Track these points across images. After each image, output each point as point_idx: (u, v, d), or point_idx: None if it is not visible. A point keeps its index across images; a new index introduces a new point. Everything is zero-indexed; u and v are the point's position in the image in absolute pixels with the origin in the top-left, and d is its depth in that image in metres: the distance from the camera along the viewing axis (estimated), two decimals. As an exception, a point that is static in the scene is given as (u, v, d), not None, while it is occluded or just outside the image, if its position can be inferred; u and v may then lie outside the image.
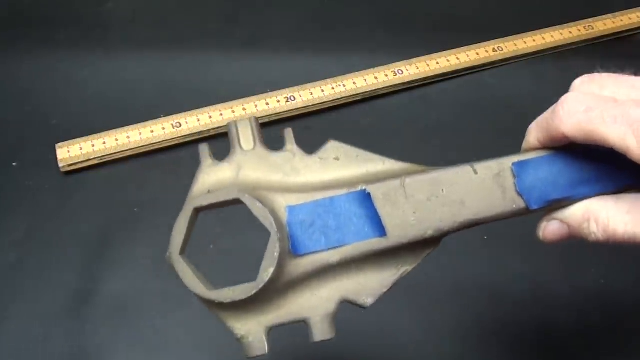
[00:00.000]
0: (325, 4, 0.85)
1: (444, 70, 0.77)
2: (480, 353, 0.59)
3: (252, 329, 0.39)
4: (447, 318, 0.60)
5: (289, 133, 0.42)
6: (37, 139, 0.71)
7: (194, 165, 0.70)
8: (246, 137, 0.41)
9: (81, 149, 0.69)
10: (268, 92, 0.74)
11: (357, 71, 0.76)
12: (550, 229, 0.39)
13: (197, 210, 0.38)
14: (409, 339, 0.59)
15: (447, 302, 0.60)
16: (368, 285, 0.39)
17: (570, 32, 0.81)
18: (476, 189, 0.39)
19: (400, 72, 0.76)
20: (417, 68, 0.77)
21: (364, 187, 0.39)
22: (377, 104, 0.75)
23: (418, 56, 0.78)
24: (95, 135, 0.70)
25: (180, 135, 0.71)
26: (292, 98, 0.73)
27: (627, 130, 0.35)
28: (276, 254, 0.37)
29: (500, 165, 0.40)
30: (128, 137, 0.70)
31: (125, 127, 0.71)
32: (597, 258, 0.62)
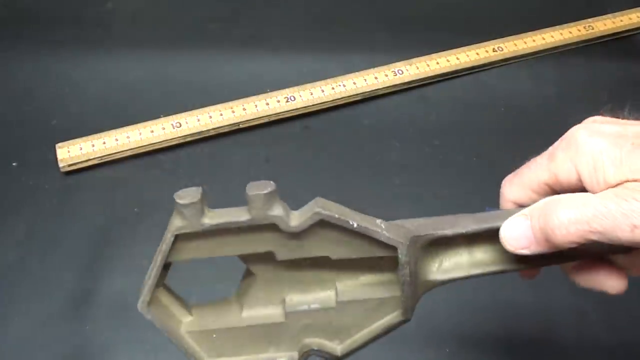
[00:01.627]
0: (325, 4, 0.85)
1: (444, 70, 0.77)
2: (480, 355, 0.59)
3: None
4: (446, 319, 0.60)
5: None
6: (37, 139, 0.71)
7: (194, 165, 0.70)
8: None
9: (81, 149, 0.69)
10: (268, 92, 0.74)
11: (357, 71, 0.76)
12: (510, 226, 0.38)
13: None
14: (407, 339, 0.59)
15: (446, 302, 0.60)
16: None
17: (570, 32, 0.81)
18: None
19: (400, 72, 0.76)
20: (417, 68, 0.77)
21: None
22: (377, 104, 0.75)
23: (418, 56, 0.78)
24: (95, 135, 0.70)
25: (180, 135, 0.71)
26: (292, 98, 0.73)
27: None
28: None
29: None
30: (128, 137, 0.70)
31: (125, 127, 0.71)
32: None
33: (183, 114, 0.72)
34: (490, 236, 0.38)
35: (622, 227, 0.34)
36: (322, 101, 0.74)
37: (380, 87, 0.75)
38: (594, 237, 0.34)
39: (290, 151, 0.70)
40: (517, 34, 0.80)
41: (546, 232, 0.36)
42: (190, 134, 0.71)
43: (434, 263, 0.39)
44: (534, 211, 0.37)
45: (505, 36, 0.80)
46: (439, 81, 0.77)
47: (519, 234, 0.37)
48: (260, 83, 0.75)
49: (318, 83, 0.75)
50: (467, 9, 0.85)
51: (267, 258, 0.37)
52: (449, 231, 0.38)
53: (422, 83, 0.77)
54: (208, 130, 0.71)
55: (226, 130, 0.72)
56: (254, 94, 0.74)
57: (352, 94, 0.74)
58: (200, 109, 0.72)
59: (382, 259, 0.37)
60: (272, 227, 0.35)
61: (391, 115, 0.75)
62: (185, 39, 0.80)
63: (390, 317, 0.38)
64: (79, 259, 0.63)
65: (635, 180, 0.34)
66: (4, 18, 0.81)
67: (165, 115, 0.72)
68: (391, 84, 0.76)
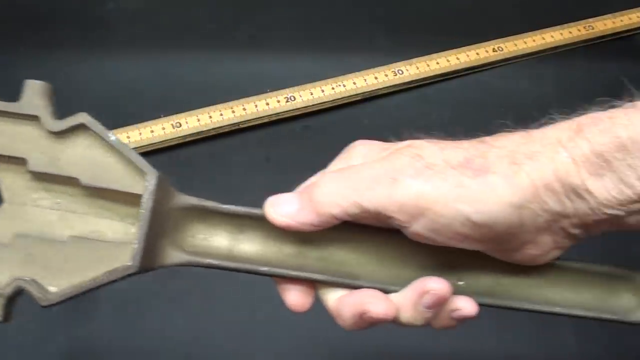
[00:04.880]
0: (325, 5, 0.85)
1: (444, 70, 0.77)
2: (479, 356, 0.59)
3: None
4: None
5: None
6: (37, 139, 0.71)
7: (194, 165, 0.70)
8: None
9: (81, 149, 0.69)
10: (268, 92, 0.74)
11: (357, 71, 0.76)
12: (275, 196, 0.37)
13: None
14: (408, 343, 0.59)
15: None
16: None
17: (570, 32, 0.81)
18: None
19: (400, 72, 0.76)
20: (417, 68, 0.77)
21: None
22: (377, 104, 0.75)
23: (418, 56, 0.78)
24: (96, 135, 0.70)
25: (180, 135, 0.71)
26: (292, 98, 0.73)
27: None
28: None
29: None
30: (128, 137, 0.70)
31: (125, 127, 0.71)
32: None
33: (183, 114, 0.72)
34: (258, 226, 0.38)
35: (382, 181, 0.35)
36: (322, 101, 0.74)
37: (380, 87, 0.75)
38: (355, 197, 0.35)
39: (290, 151, 0.71)
40: (517, 34, 0.80)
41: (311, 193, 0.36)
42: (190, 134, 0.71)
43: (190, 236, 0.38)
44: (302, 187, 0.37)
45: (505, 36, 0.80)
46: (439, 81, 0.77)
47: (284, 199, 0.37)
48: (260, 83, 0.75)
49: (318, 83, 0.75)
50: (467, 9, 0.85)
51: (18, 178, 0.36)
52: (209, 204, 0.38)
53: (422, 83, 0.77)
54: (208, 130, 0.71)
55: (226, 130, 0.72)
56: (254, 94, 0.74)
57: (352, 94, 0.74)
58: (200, 109, 0.72)
59: (130, 201, 0.36)
60: (34, 122, 0.36)
61: (391, 115, 0.75)
62: (185, 39, 0.80)
63: (118, 264, 0.35)
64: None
65: (397, 150, 0.36)
66: (4, 18, 0.81)
67: (165, 115, 0.72)
68: (391, 84, 0.76)
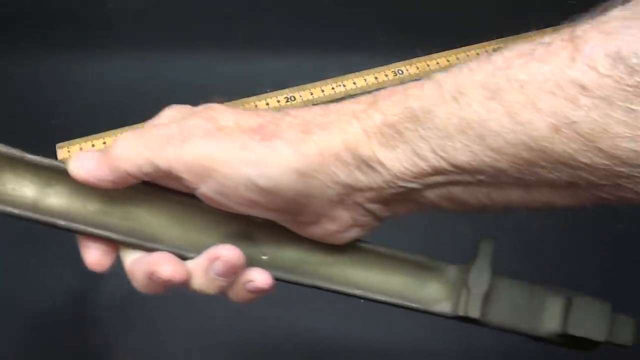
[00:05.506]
0: (325, 4, 0.85)
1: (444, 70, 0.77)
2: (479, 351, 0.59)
3: None
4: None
5: None
6: (37, 139, 0.71)
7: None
8: None
9: (81, 149, 0.69)
10: (268, 92, 0.74)
11: (357, 71, 0.76)
12: (79, 153, 0.38)
13: None
14: (408, 341, 0.59)
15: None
16: None
17: (570, 32, 0.81)
18: None
19: (400, 72, 0.76)
20: (417, 68, 0.77)
21: None
22: (377, 104, 0.75)
23: (418, 56, 0.78)
24: (95, 135, 0.70)
25: (180, 135, 0.71)
26: (292, 98, 0.73)
27: None
28: None
29: None
30: (128, 137, 0.70)
31: (125, 127, 0.71)
32: (594, 257, 0.62)
33: (183, 114, 0.72)
34: (66, 181, 0.38)
35: (174, 141, 0.35)
36: (322, 101, 0.74)
37: (380, 87, 0.75)
38: (148, 155, 0.35)
39: (290, 151, 0.70)
40: (517, 34, 0.80)
41: (109, 150, 0.36)
42: (190, 134, 0.71)
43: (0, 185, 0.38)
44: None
45: (505, 36, 0.80)
46: (439, 81, 0.77)
47: (85, 155, 0.37)
48: (260, 83, 0.75)
49: (318, 83, 0.75)
50: (466, 9, 0.85)
51: None
52: (15, 152, 0.39)
53: (422, 83, 0.77)
54: (208, 130, 0.71)
55: (226, 130, 0.72)
56: (254, 94, 0.74)
57: (352, 94, 0.74)
58: (200, 109, 0.72)
59: None
60: None
61: (391, 115, 0.75)
62: (186, 39, 0.80)
63: None
64: (79, 258, 0.63)
65: (194, 112, 0.37)
66: (3, 18, 0.81)
67: (165, 115, 0.72)
68: (391, 84, 0.76)
